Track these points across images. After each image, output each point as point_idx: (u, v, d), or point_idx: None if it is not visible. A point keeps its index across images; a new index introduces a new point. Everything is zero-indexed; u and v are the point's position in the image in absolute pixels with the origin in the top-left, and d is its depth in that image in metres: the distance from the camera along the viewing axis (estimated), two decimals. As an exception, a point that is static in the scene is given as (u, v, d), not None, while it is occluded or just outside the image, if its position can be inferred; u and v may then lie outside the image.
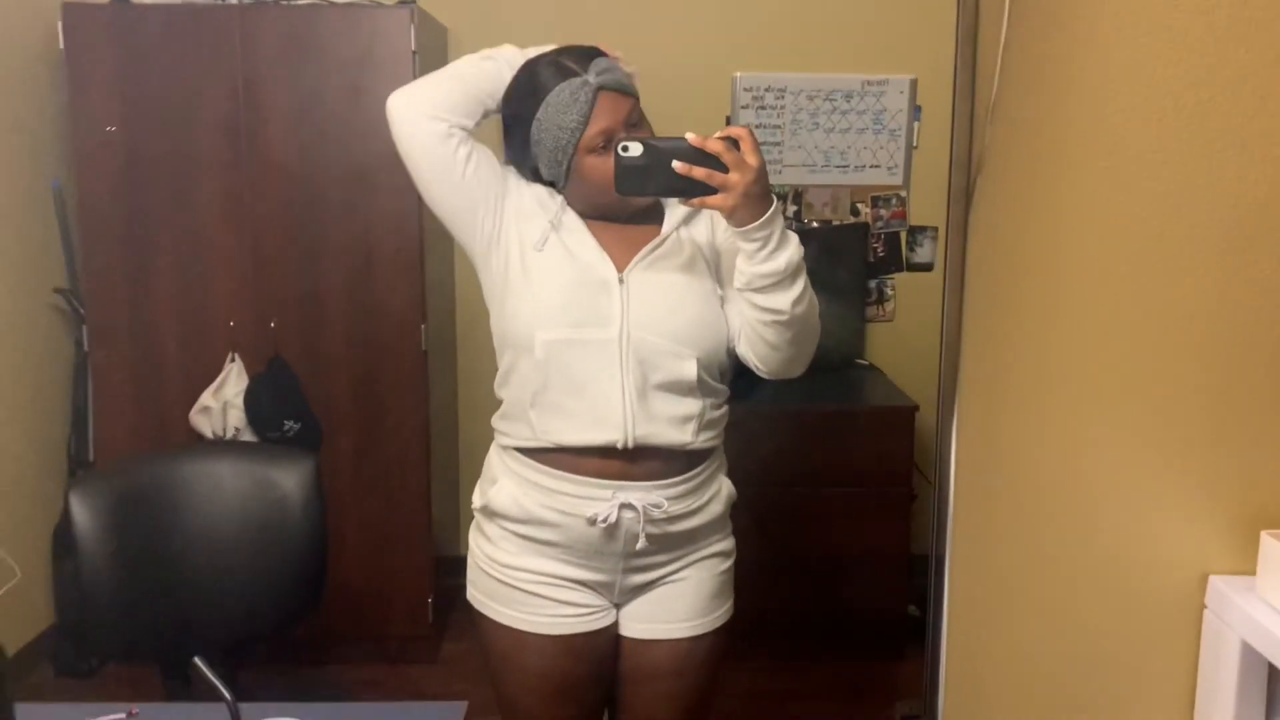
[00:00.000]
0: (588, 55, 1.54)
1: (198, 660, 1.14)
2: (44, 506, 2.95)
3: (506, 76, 1.56)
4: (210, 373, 2.85)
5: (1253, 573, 1.11)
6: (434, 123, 1.51)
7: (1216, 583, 1.13)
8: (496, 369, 1.61)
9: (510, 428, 1.58)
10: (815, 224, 3.36)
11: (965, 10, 1.53)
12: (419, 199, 1.58)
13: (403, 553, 2.99)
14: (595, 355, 1.49)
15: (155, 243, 2.84)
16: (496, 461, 1.62)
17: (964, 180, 1.57)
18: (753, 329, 1.52)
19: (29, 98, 2.90)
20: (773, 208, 1.41)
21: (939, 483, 1.64)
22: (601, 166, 1.49)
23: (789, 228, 1.49)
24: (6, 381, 2.83)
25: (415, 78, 3.11)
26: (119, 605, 1.87)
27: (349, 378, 2.90)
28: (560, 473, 1.53)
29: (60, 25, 2.76)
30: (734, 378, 1.62)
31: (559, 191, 1.58)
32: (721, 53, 3.30)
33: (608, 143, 1.49)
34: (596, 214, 1.57)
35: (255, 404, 2.80)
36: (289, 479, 2.01)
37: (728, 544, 1.66)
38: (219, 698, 1.22)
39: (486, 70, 1.56)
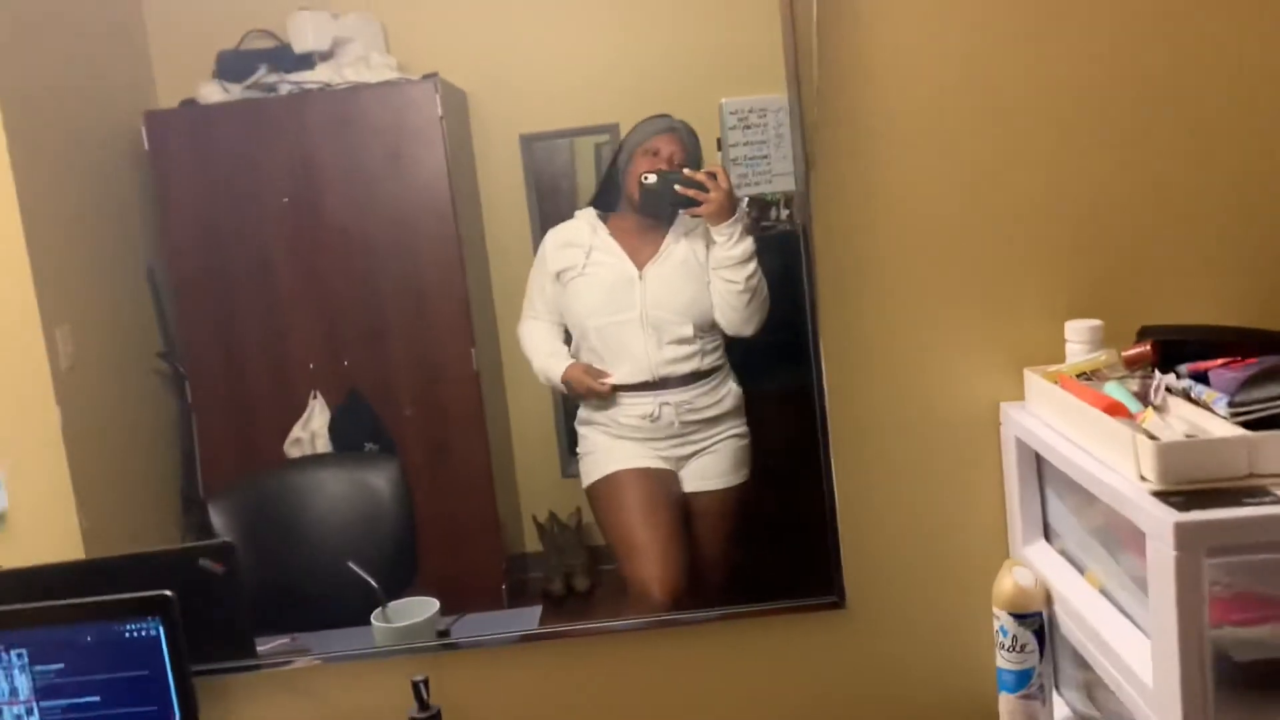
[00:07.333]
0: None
1: (351, 564, 1.56)
2: (163, 540, 3.40)
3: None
4: (297, 410, 3.30)
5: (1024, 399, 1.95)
6: None
7: (1005, 407, 1.92)
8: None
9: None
10: (808, 224, 3.74)
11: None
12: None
13: (474, 553, 3.40)
14: (626, 329, 2.29)
15: (239, 305, 3.32)
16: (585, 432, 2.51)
17: (804, 186, 2.23)
18: (722, 298, 2.26)
19: (120, 195, 3.40)
20: (736, 214, 2.26)
21: (819, 405, 2.20)
22: (634, 171, 2.38)
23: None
24: (128, 434, 3.31)
25: (444, 141, 3.57)
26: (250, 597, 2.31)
27: (414, 401, 3.34)
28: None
29: (144, 130, 3.26)
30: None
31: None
32: (709, 83, 3.70)
33: (654, 155, 2.38)
34: (632, 208, 2.40)
35: (339, 432, 3.24)
36: (379, 478, 2.45)
37: (743, 429, 2.42)
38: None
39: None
